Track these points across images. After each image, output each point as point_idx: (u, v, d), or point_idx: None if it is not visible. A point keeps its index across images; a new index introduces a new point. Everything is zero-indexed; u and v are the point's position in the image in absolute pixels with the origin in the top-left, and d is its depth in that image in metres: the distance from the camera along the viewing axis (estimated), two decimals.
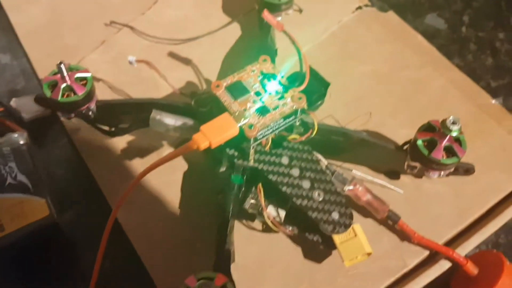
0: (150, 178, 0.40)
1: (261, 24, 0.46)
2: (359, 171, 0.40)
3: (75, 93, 0.37)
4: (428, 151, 0.35)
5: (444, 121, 0.34)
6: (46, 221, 0.36)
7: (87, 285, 0.35)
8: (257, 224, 0.38)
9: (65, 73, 0.37)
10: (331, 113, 0.44)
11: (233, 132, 0.33)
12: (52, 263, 0.39)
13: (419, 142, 0.36)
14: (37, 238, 0.36)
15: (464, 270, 0.36)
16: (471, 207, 0.39)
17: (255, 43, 0.47)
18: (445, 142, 0.35)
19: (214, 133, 0.32)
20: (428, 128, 0.36)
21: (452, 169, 0.37)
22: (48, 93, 0.37)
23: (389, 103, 0.45)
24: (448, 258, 0.36)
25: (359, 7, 0.51)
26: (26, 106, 0.44)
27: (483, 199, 0.39)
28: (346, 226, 0.33)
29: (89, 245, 0.37)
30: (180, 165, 0.41)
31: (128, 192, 0.31)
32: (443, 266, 0.36)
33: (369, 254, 0.33)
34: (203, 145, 0.31)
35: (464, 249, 0.37)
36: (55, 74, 0.38)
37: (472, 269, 0.36)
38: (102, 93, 0.44)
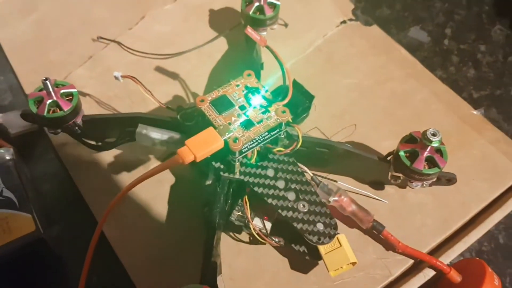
0: (137, 192, 0.40)
1: (247, 38, 0.47)
2: (344, 182, 0.40)
3: (61, 109, 0.38)
4: (410, 162, 0.36)
5: (424, 133, 0.35)
6: (32, 237, 0.36)
7: None
8: (244, 236, 0.39)
9: (50, 89, 0.37)
10: (317, 125, 0.44)
11: (218, 145, 0.33)
12: (39, 278, 0.39)
13: (401, 153, 0.36)
14: (24, 253, 0.36)
15: (447, 278, 0.36)
16: (454, 216, 0.40)
17: (241, 57, 0.47)
18: (426, 153, 0.36)
19: (199, 147, 0.32)
20: (410, 139, 0.37)
21: (434, 179, 0.37)
22: (34, 109, 0.38)
23: (373, 115, 0.45)
24: (432, 267, 0.37)
25: (344, 21, 0.52)
26: (12, 122, 0.44)
27: (465, 208, 0.40)
28: (331, 237, 0.33)
29: (76, 260, 0.37)
30: (167, 179, 0.41)
31: (113, 204, 0.31)
32: (427, 274, 0.37)
33: (353, 263, 0.34)
34: (188, 159, 0.32)
35: (448, 257, 0.37)
36: (41, 90, 0.38)
37: (455, 276, 0.36)
38: (89, 108, 0.45)
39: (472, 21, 0.58)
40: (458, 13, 0.59)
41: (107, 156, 0.42)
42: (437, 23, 0.58)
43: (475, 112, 0.46)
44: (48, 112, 0.38)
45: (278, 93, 0.39)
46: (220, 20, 0.52)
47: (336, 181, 0.40)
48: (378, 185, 0.41)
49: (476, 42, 0.56)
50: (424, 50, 0.56)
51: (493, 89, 0.52)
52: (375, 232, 0.38)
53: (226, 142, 0.33)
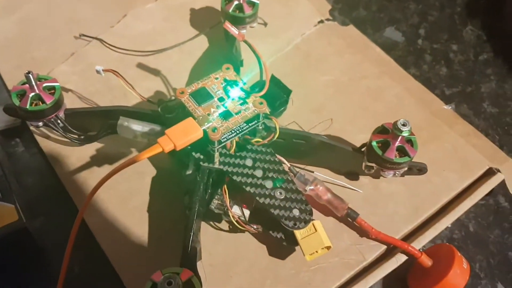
0: (119, 183, 0.41)
1: (227, 36, 0.48)
2: (320, 173, 0.42)
3: (43, 102, 0.39)
4: (382, 151, 0.37)
5: (395, 123, 0.37)
6: (15, 226, 0.36)
7: None
8: (223, 224, 0.40)
9: (33, 82, 0.38)
10: (295, 120, 0.46)
11: (197, 135, 0.34)
12: (21, 268, 0.39)
13: (374, 143, 0.38)
14: (6, 243, 0.37)
15: (419, 262, 0.38)
16: (425, 204, 0.41)
17: (222, 54, 0.49)
18: (397, 143, 0.37)
19: (179, 136, 0.33)
20: (382, 130, 0.39)
21: (406, 168, 0.39)
22: (16, 101, 0.38)
23: (349, 110, 0.47)
24: (404, 252, 0.38)
25: (321, 21, 0.54)
26: None
27: (436, 197, 0.42)
28: (306, 222, 0.34)
29: (59, 251, 0.37)
30: (148, 171, 0.42)
31: (95, 190, 0.32)
32: (399, 259, 0.38)
33: (328, 248, 0.35)
34: (168, 148, 0.33)
35: (419, 243, 0.39)
36: (23, 83, 0.39)
37: (426, 261, 0.38)
38: (72, 103, 0.45)
39: (444, 22, 0.60)
40: (431, 14, 0.61)
41: (89, 150, 0.43)
42: (411, 24, 0.60)
43: (446, 107, 0.48)
44: (30, 105, 0.38)
45: (256, 87, 0.41)
46: (201, 19, 0.53)
47: (312, 172, 0.42)
48: (353, 176, 0.43)
49: (449, 41, 0.58)
50: (399, 49, 0.57)
51: (464, 86, 0.54)
52: (350, 219, 0.39)
53: (205, 132, 0.35)
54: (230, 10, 0.47)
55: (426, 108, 0.48)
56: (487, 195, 0.43)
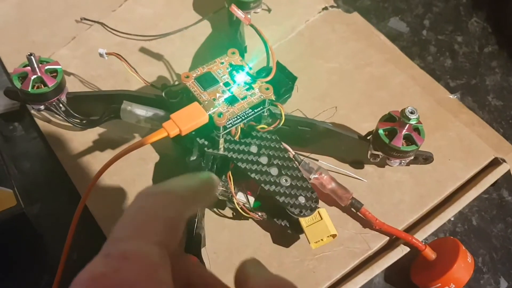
0: (122, 170, 0.41)
1: (230, 21, 0.47)
2: (325, 162, 0.41)
3: (45, 85, 0.38)
4: (389, 139, 0.37)
5: (403, 111, 0.36)
6: (13, 211, 0.36)
7: (52, 276, 0.35)
8: (227, 211, 0.39)
9: (35, 65, 0.37)
10: (299, 107, 0.45)
11: (203, 120, 0.34)
12: (19, 254, 0.39)
13: (381, 131, 0.37)
14: (4, 228, 0.36)
15: (423, 255, 0.38)
16: (430, 194, 0.41)
17: (225, 40, 0.48)
18: (404, 131, 0.37)
19: (184, 121, 0.33)
20: (389, 118, 0.38)
21: (412, 157, 0.39)
22: (18, 84, 0.38)
23: (353, 98, 0.47)
24: (408, 244, 0.38)
25: (325, 8, 0.53)
26: None
27: (441, 186, 0.41)
28: (312, 209, 0.34)
29: (57, 237, 0.37)
30: (152, 157, 0.42)
31: (99, 176, 0.31)
32: (404, 249, 0.38)
33: (334, 236, 0.35)
34: (173, 132, 0.32)
35: (424, 233, 0.39)
36: (25, 66, 0.38)
37: (430, 254, 0.38)
38: (73, 87, 0.45)
39: (449, 13, 0.60)
40: (437, 5, 0.60)
41: (92, 135, 0.42)
42: (416, 14, 0.59)
43: (451, 96, 0.48)
44: (32, 87, 0.38)
45: (262, 72, 0.40)
46: (204, 4, 0.52)
47: (317, 160, 0.41)
48: (358, 164, 0.42)
49: (453, 33, 0.58)
50: (403, 40, 0.57)
51: (469, 78, 0.54)
52: (353, 209, 0.39)
53: (210, 117, 0.34)
54: None
55: (431, 96, 0.47)
56: (491, 186, 0.43)
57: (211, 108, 0.34)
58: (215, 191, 0.21)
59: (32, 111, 0.43)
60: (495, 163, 0.43)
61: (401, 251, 0.38)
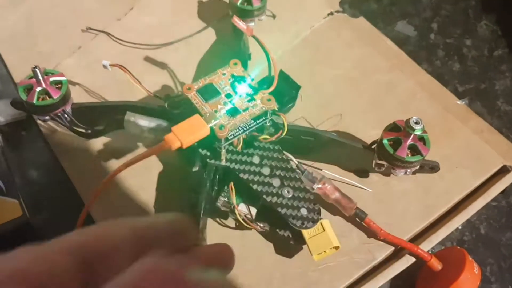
0: (125, 179, 0.41)
1: (234, 29, 0.47)
2: (329, 171, 0.41)
3: (50, 96, 0.38)
4: (393, 149, 0.37)
5: (407, 121, 0.36)
6: (19, 222, 0.36)
7: None
8: (230, 221, 0.39)
9: (40, 77, 0.37)
10: (303, 115, 0.45)
11: (204, 132, 0.34)
12: None
13: (385, 141, 0.37)
14: (10, 238, 0.37)
15: (428, 265, 0.37)
16: (437, 203, 0.40)
17: (229, 48, 0.48)
18: (409, 141, 0.36)
19: (185, 134, 0.33)
20: (393, 128, 0.38)
21: (417, 167, 0.38)
22: (23, 96, 0.38)
23: (359, 105, 0.46)
24: (413, 254, 0.37)
25: (331, 13, 0.53)
26: (2, 110, 0.45)
27: (448, 195, 0.41)
28: (314, 221, 0.34)
29: None
30: (155, 166, 0.42)
31: (102, 188, 0.31)
32: (410, 259, 0.37)
33: (337, 248, 0.35)
34: (175, 146, 0.32)
35: (430, 242, 0.38)
36: (30, 78, 0.38)
37: (436, 264, 0.37)
38: (78, 97, 0.45)
39: (458, 16, 0.59)
40: (445, 8, 0.59)
41: (96, 144, 0.43)
42: (423, 18, 0.59)
43: (459, 102, 0.47)
44: (37, 99, 0.38)
45: (264, 83, 0.40)
46: (208, 12, 0.52)
47: (321, 170, 0.41)
48: (362, 173, 0.42)
49: (462, 36, 0.57)
50: (411, 44, 0.56)
51: (477, 83, 0.53)
52: (358, 219, 0.38)
53: (212, 129, 0.34)
54: (238, 3, 0.46)
55: (438, 103, 0.47)
56: (500, 193, 0.42)
57: (212, 120, 0.34)
58: (180, 232, 0.19)
59: (38, 121, 0.44)
60: (504, 170, 0.42)
61: (407, 261, 0.37)
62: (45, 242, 0.16)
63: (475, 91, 0.52)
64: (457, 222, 0.40)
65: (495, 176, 0.42)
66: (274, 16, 0.52)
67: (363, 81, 0.48)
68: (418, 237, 0.39)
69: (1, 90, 0.48)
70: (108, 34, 0.50)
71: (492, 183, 0.42)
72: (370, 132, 0.43)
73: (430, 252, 0.37)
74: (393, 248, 0.38)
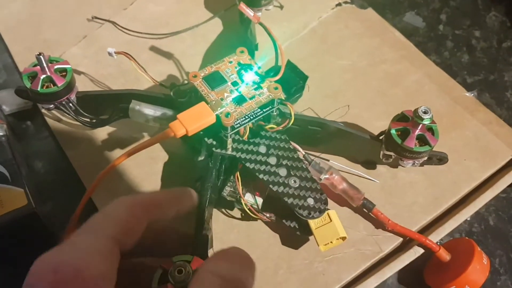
0: (130, 169, 0.40)
1: (241, 19, 0.47)
2: (336, 162, 0.41)
3: (54, 84, 0.38)
4: (401, 140, 0.36)
5: (416, 111, 0.35)
6: (24, 211, 0.36)
7: None
8: (236, 212, 0.39)
9: (44, 64, 0.37)
10: (310, 106, 0.44)
11: (210, 120, 0.33)
12: (30, 252, 0.39)
13: (393, 131, 0.37)
14: (16, 227, 0.36)
15: (436, 256, 0.37)
16: (445, 195, 0.40)
17: (236, 38, 0.47)
18: (417, 131, 0.36)
19: (191, 121, 0.32)
20: (401, 118, 0.37)
21: (425, 158, 0.38)
22: (27, 83, 0.38)
23: (367, 96, 0.46)
24: (421, 245, 0.37)
25: (339, 4, 0.52)
26: (7, 100, 0.45)
27: (456, 187, 0.40)
28: (321, 211, 0.33)
29: None
30: (161, 156, 0.42)
31: (104, 174, 0.31)
32: (417, 251, 0.37)
33: (343, 238, 0.34)
34: (180, 133, 0.32)
35: (438, 235, 0.38)
36: (35, 65, 0.38)
37: (444, 255, 0.37)
38: (83, 86, 0.45)
39: (467, 7, 0.58)
40: None
41: (101, 133, 0.42)
42: (432, 9, 0.58)
43: (467, 94, 0.46)
44: (42, 87, 0.38)
45: (271, 72, 0.39)
46: (215, 1, 0.52)
47: (328, 160, 0.41)
48: (370, 165, 0.41)
49: (471, 28, 0.56)
50: (419, 35, 0.55)
51: (486, 74, 0.52)
52: (365, 210, 0.38)
53: (218, 117, 0.34)
54: None
55: (447, 94, 0.46)
56: (508, 186, 0.41)
57: (219, 108, 0.34)
58: (187, 202, 0.25)
59: (43, 110, 0.43)
60: None
61: (414, 253, 0.37)
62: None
63: (484, 83, 0.51)
64: (465, 214, 0.39)
65: (504, 168, 0.42)
66: (281, 7, 0.51)
67: (370, 72, 0.47)
68: (426, 229, 0.39)
69: (6, 79, 0.48)
70: (114, 23, 0.49)
71: (501, 176, 0.41)
72: (377, 123, 0.43)
73: (438, 243, 0.37)
74: (400, 240, 0.38)
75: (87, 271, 0.18)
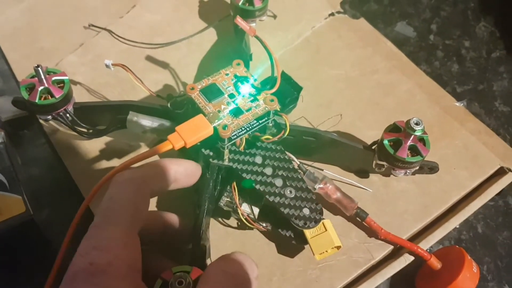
0: None
1: (236, 29, 0.47)
2: (330, 171, 0.42)
3: (52, 96, 0.38)
4: (394, 150, 0.37)
5: (408, 122, 0.36)
6: (22, 218, 0.36)
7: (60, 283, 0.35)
8: (232, 221, 0.39)
9: (42, 76, 0.37)
10: (303, 115, 0.45)
11: (208, 132, 0.34)
12: (27, 259, 0.39)
13: (386, 141, 0.37)
14: (13, 234, 0.37)
15: (428, 264, 0.38)
16: (435, 203, 0.41)
17: (231, 48, 0.48)
18: (409, 142, 0.37)
19: (189, 134, 0.33)
20: (394, 128, 0.38)
21: (417, 167, 0.39)
22: (25, 95, 0.38)
23: (359, 105, 0.47)
24: (413, 253, 0.38)
25: (332, 14, 0.53)
26: (3, 107, 0.45)
27: (446, 195, 0.41)
28: (317, 221, 0.34)
29: None
30: None
31: (101, 184, 0.31)
32: (407, 259, 0.38)
33: (338, 247, 0.35)
34: (178, 145, 0.32)
35: (428, 243, 0.39)
36: (32, 77, 0.39)
37: (435, 263, 0.38)
38: (80, 95, 0.45)
39: (457, 17, 0.59)
40: (444, 9, 0.60)
41: (99, 143, 0.43)
42: (423, 19, 0.59)
43: (457, 103, 0.47)
44: (39, 98, 0.38)
45: (267, 83, 0.40)
46: (210, 11, 0.52)
47: (322, 170, 0.42)
48: (363, 174, 0.42)
49: (461, 38, 0.57)
50: (410, 44, 0.57)
51: (476, 84, 0.53)
52: (359, 219, 0.39)
53: (215, 129, 0.34)
54: (240, 3, 0.46)
55: (437, 104, 0.47)
56: (496, 195, 0.43)
57: (216, 120, 0.34)
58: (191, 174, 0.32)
59: (40, 120, 0.44)
60: (501, 172, 0.43)
61: (404, 260, 0.38)
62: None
63: (473, 92, 0.53)
64: (454, 222, 0.40)
65: (492, 177, 0.43)
66: (275, 17, 0.52)
67: (362, 81, 0.48)
68: (416, 237, 0.40)
69: (2, 86, 0.48)
70: (110, 31, 0.50)
71: (489, 184, 0.42)
72: (369, 132, 0.44)
73: (428, 251, 0.38)
74: (391, 247, 0.39)
75: (117, 263, 0.21)
